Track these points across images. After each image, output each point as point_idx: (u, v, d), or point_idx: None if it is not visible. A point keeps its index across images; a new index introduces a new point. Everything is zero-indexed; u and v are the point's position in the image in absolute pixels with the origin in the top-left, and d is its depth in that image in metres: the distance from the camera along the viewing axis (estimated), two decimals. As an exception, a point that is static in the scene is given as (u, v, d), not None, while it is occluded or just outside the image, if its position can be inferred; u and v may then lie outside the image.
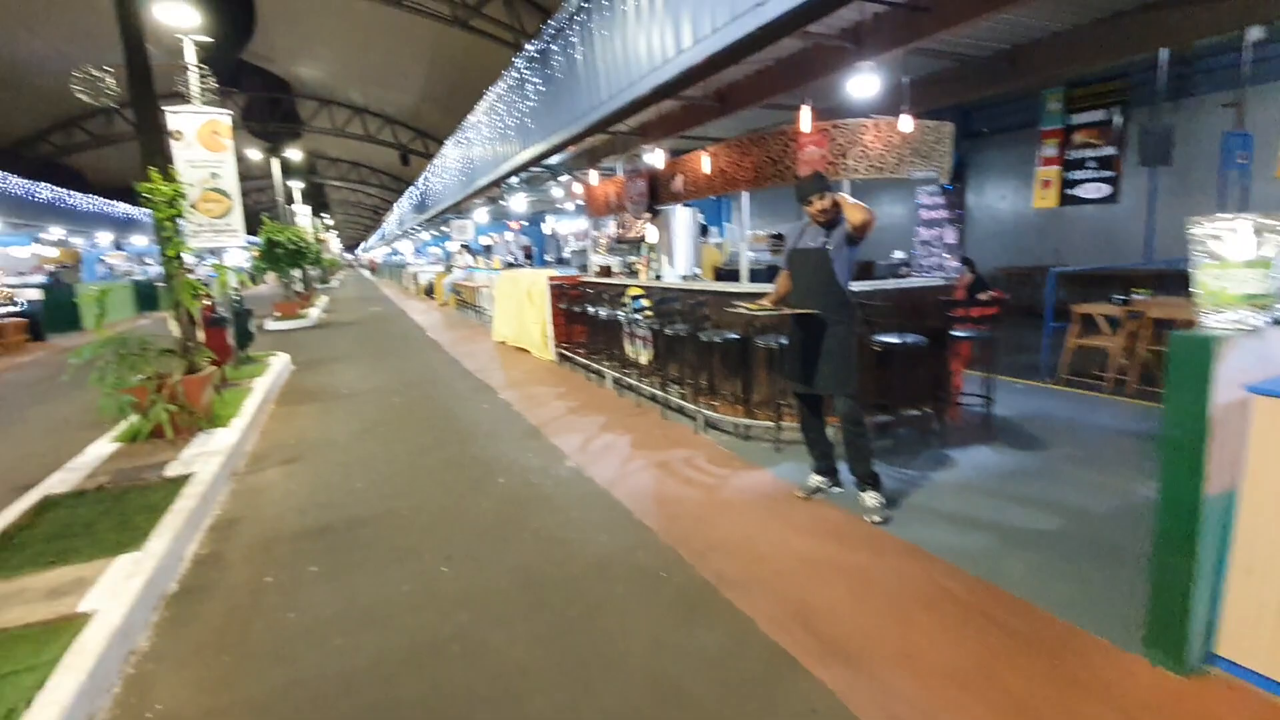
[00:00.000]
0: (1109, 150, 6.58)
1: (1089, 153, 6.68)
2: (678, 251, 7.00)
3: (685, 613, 2.78)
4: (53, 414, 6.96)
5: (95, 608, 2.71)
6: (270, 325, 14.72)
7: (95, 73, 6.36)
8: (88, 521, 3.73)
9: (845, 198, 3.51)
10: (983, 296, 6.58)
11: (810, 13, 4.10)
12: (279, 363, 8.93)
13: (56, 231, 21.23)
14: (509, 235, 26.17)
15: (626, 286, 7.09)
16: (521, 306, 9.61)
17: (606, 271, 8.22)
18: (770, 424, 4.90)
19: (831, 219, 3.61)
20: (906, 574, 3.05)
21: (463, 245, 18.91)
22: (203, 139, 7.99)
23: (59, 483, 4.38)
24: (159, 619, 2.90)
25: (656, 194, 6.74)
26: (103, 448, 5.12)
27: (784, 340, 4.40)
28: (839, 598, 2.86)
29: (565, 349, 8.60)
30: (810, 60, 5.71)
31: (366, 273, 53.90)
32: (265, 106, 25.76)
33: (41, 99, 20.54)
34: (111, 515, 3.82)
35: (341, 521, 3.89)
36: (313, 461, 5.09)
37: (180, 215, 5.55)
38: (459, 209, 18.34)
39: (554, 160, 10.51)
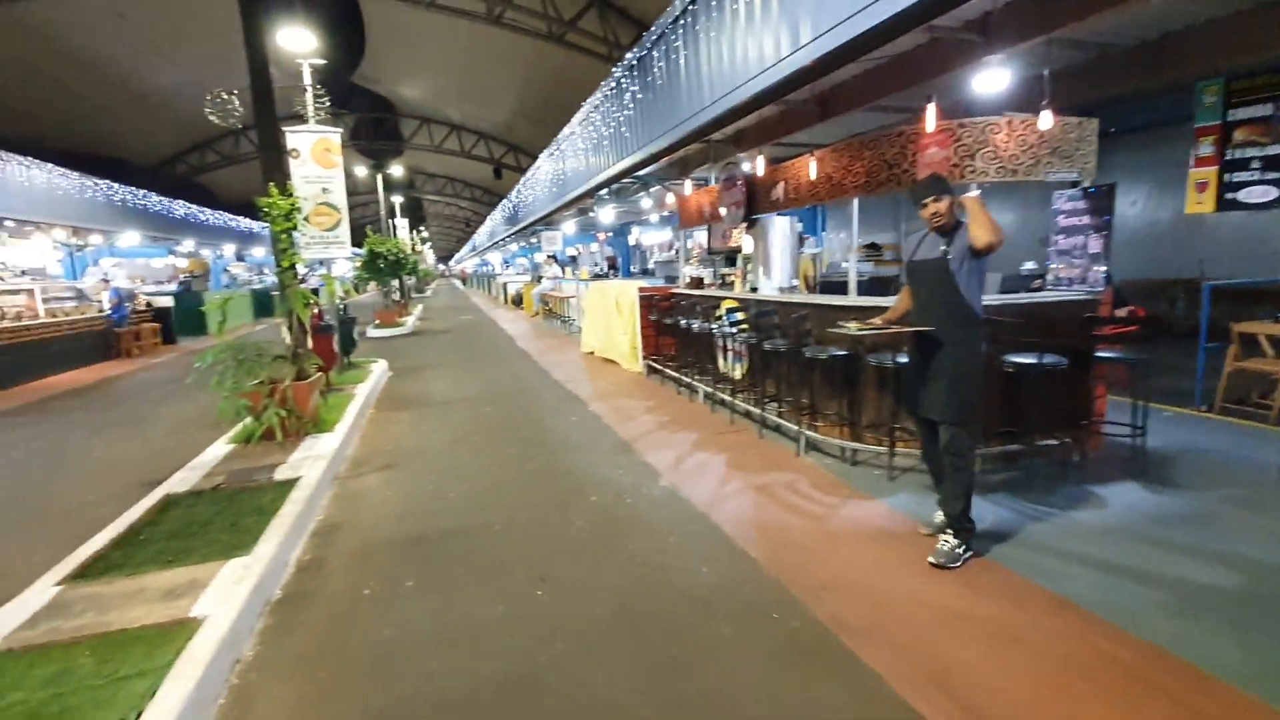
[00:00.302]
0: (1277, 149, 5.72)
1: (1253, 151, 5.84)
2: (774, 262, 6.69)
3: (802, 662, 2.50)
4: (178, 413, 7.47)
5: (206, 613, 2.74)
6: (371, 332, 15.46)
7: (225, 95, 6.84)
8: (204, 521, 3.87)
9: (977, 208, 3.11)
10: (1120, 313, 5.89)
11: (942, 4, 3.76)
12: (378, 369, 9.28)
13: (188, 244, 23.34)
14: (594, 246, 26.54)
15: (720, 299, 6.85)
16: (610, 318, 9.55)
17: (698, 283, 8.01)
18: (881, 449, 4.51)
19: (949, 224, 3.24)
20: (1056, 632, 2.63)
21: (550, 256, 19.25)
22: (316, 156, 8.43)
23: (180, 481, 4.61)
24: (263, 626, 2.91)
25: (754, 203, 6.48)
26: (219, 449, 5.39)
27: (902, 359, 4.03)
28: (979, 657, 2.49)
29: (654, 361, 8.45)
30: (926, 57, 5.29)
31: (458, 282, 56.30)
32: (371, 126, 27.42)
33: (179, 123, 22.81)
34: (225, 516, 3.95)
35: (436, 532, 3.86)
36: (409, 468, 5.15)
37: (295, 228, 5.81)
38: (549, 220, 18.68)
39: (644, 171, 10.44)
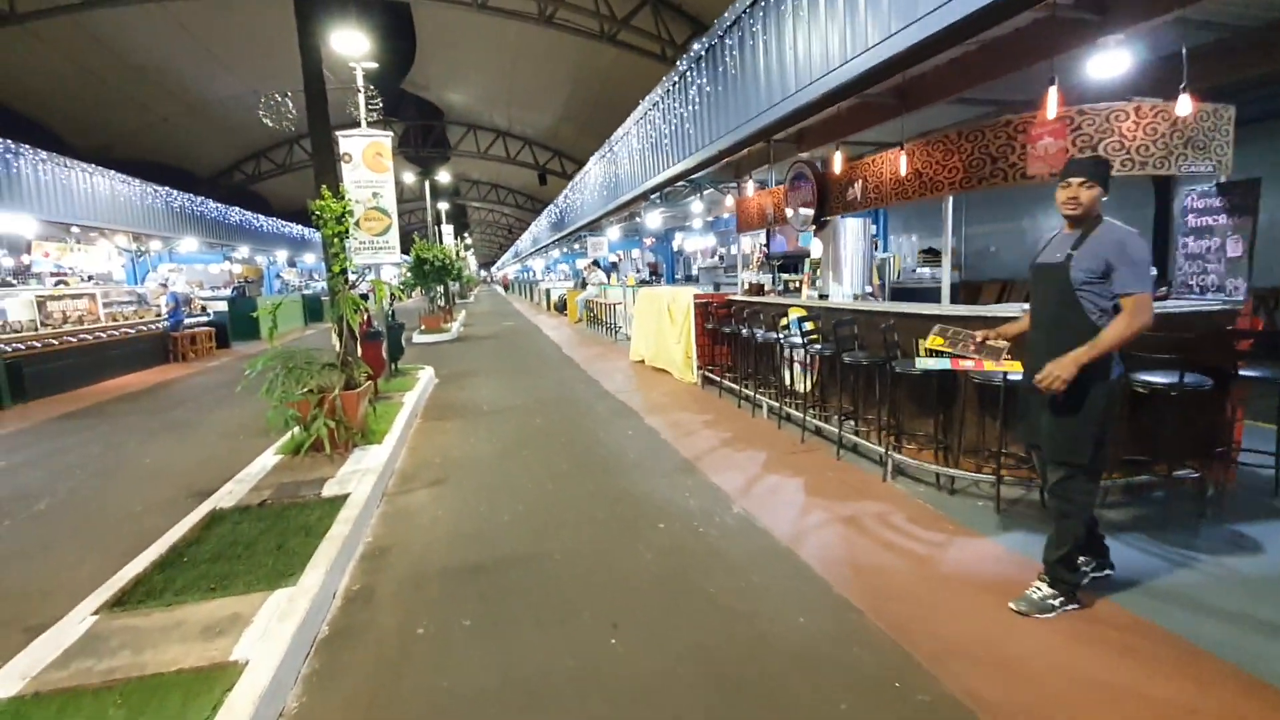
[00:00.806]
0: None
1: None
2: (845, 267, 6.23)
3: (941, 751, 2.06)
4: (230, 419, 7.39)
5: (248, 656, 2.45)
6: (417, 338, 15.44)
7: (278, 98, 6.75)
8: (249, 541, 3.63)
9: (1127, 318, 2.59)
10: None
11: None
12: (425, 376, 9.11)
13: (244, 250, 23.96)
14: (636, 253, 26.27)
15: (786, 306, 6.41)
16: (661, 325, 9.19)
17: (758, 289, 7.58)
18: (985, 476, 4.01)
19: (1082, 214, 2.72)
20: (1254, 721, 2.13)
21: (593, 262, 19.03)
22: (367, 160, 8.33)
23: (227, 495, 4.41)
24: (309, 671, 2.61)
25: (825, 203, 6.03)
26: (267, 459, 5.20)
27: (1014, 375, 3.54)
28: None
29: (710, 372, 8.04)
30: (1029, 39, 4.79)
31: (499, 289, 56.86)
32: (419, 133, 27.81)
33: (236, 133, 23.54)
34: (270, 535, 3.71)
35: (492, 561, 3.53)
36: (459, 484, 4.86)
37: (347, 232, 5.62)
38: (595, 226, 18.48)
39: (698, 175, 10.08)
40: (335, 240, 5.54)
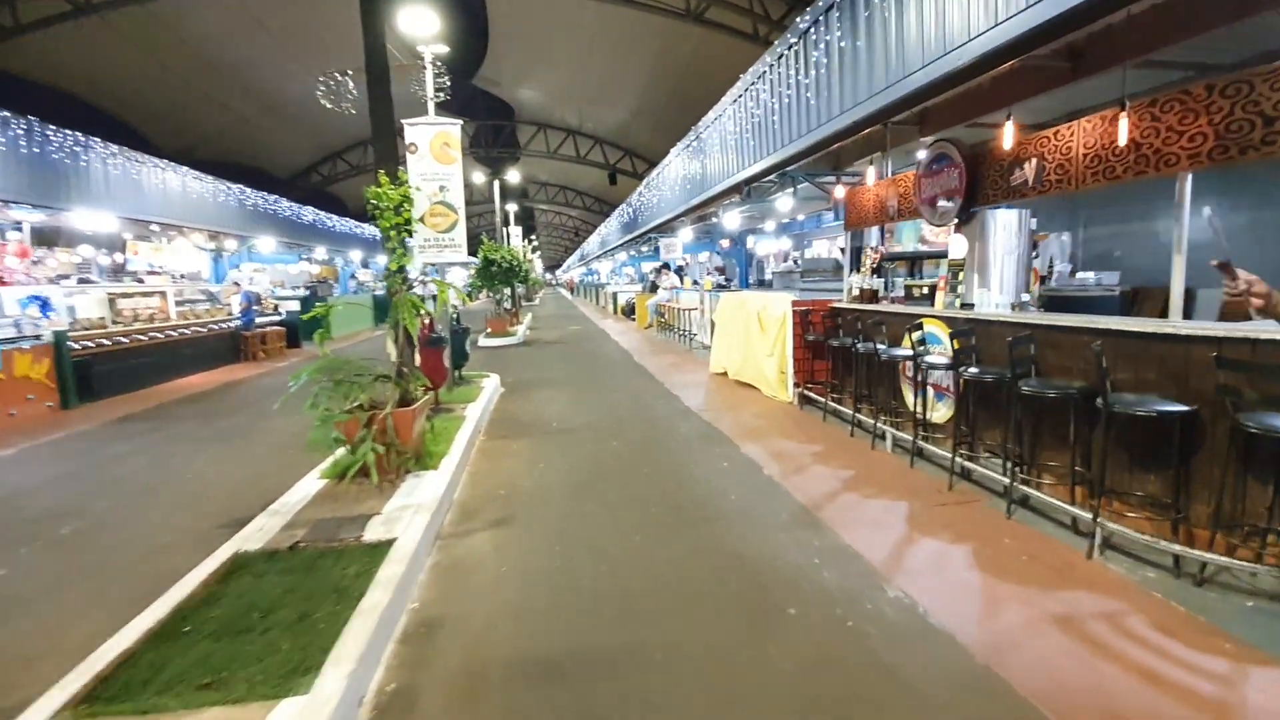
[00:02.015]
0: None
1: None
2: (995, 269, 5.07)
3: None
4: (284, 428, 6.85)
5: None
6: (482, 341, 14.95)
7: (338, 77, 6.16)
8: (267, 605, 2.87)
9: None
10: None
11: None
12: (490, 385, 8.41)
13: (320, 251, 24.34)
14: (704, 256, 25.23)
15: (916, 317, 5.30)
16: (749, 336, 8.17)
17: (870, 296, 6.46)
18: (1253, 566, 2.83)
19: None
20: None
21: (664, 264, 18.13)
22: (434, 151, 7.70)
23: (257, 531, 3.71)
24: None
25: (976, 190, 4.89)
26: (310, 485, 4.51)
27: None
28: None
29: (809, 390, 6.97)
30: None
31: (564, 292, 56.92)
32: (490, 133, 27.71)
33: (312, 134, 23.95)
34: (295, 597, 2.95)
35: (570, 656, 2.64)
36: (526, 527, 4.02)
37: (407, 223, 4.90)
38: (669, 227, 17.57)
39: (793, 166, 9.00)
40: (393, 234, 4.82)
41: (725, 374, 9.13)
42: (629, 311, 20.88)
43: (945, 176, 5.12)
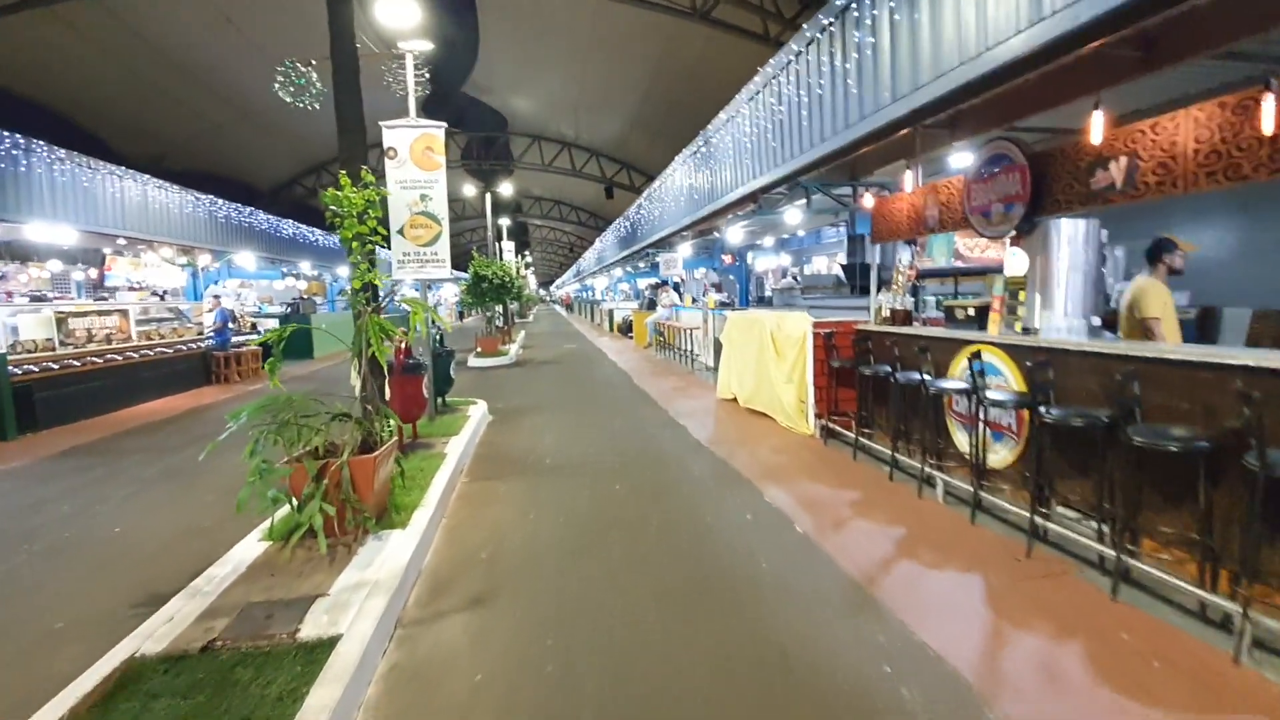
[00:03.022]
0: None
1: None
2: (1060, 288, 4.35)
3: None
4: (240, 466, 6.02)
5: None
6: (472, 361, 14.16)
7: (300, 67, 5.42)
8: (147, 755, 2.07)
9: None
10: None
11: None
12: (477, 413, 7.61)
13: (306, 266, 23.48)
14: (700, 272, 24.55)
15: (966, 343, 4.57)
16: (762, 359, 7.42)
17: (904, 318, 5.74)
18: None
19: None
20: None
21: (662, 281, 17.41)
22: (416, 156, 6.97)
23: (165, 623, 2.89)
24: None
25: (1043, 196, 4.18)
26: (247, 550, 3.70)
27: None
28: None
29: (834, 422, 6.21)
30: None
31: (559, 308, 56.24)
32: (482, 145, 27.07)
33: (295, 144, 23.04)
34: (191, 738, 2.15)
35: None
36: (512, 607, 3.22)
37: (373, 232, 4.14)
38: (667, 242, 16.86)
39: (806, 176, 8.31)
40: (355, 245, 4.06)
41: (734, 400, 8.36)
42: (626, 329, 20.15)
43: (1004, 181, 4.41)
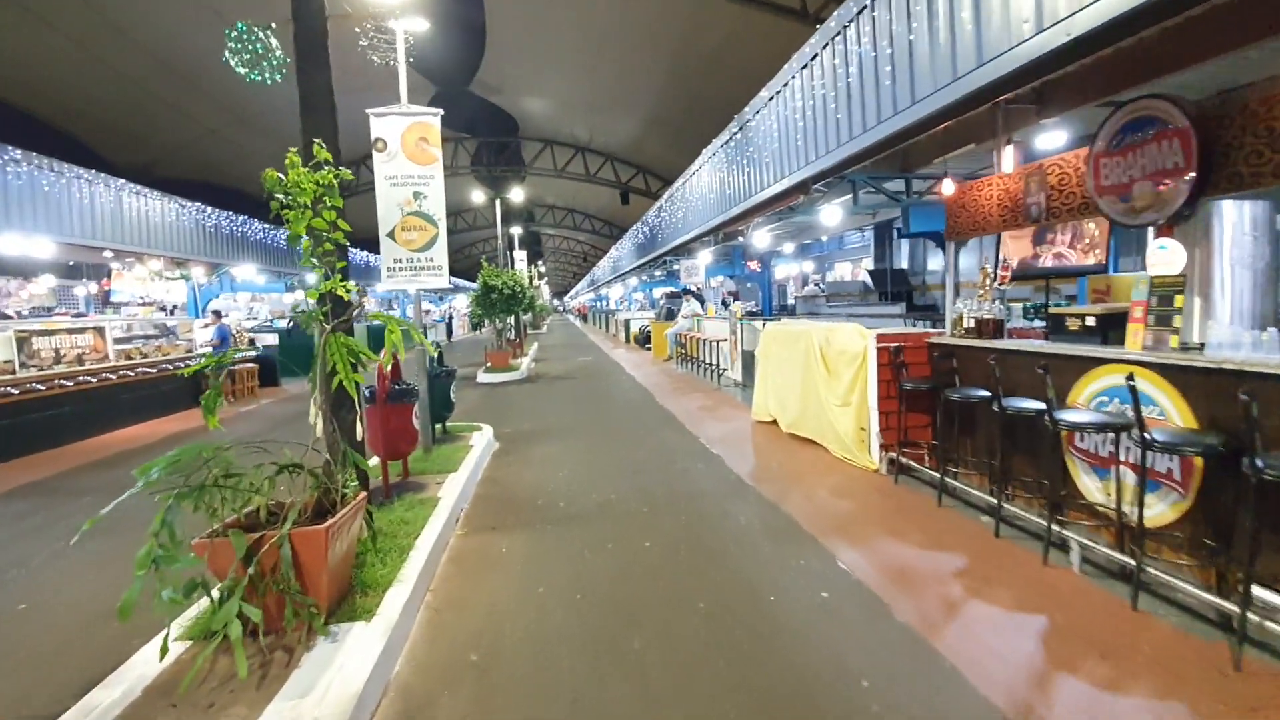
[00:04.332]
0: None
1: None
2: (1223, 290, 3.31)
3: None
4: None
5: None
6: (481, 377, 13.26)
7: (259, 33, 4.51)
8: None
9: None
10: None
11: None
12: (480, 442, 6.65)
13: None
14: (716, 280, 23.53)
15: (1096, 361, 3.53)
16: (810, 377, 6.39)
17: (995, 329, 4.68)
18: None
19: None
20: None
21: (683, 289, 16.40)
22: (408, 149, 6.06)
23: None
24: None
25: (1212, 169, 3.13)
26: (151, 659, 2.72)
27: None
28: None
29: (905, 454, 5.15)
30: None
31: (571, 318, 55.47)
32: (493, 151, 26.28)
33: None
34: None
35: None
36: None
37: (333, 229, 3.19)
38: (687, 249, 15.87)
39: (852, 169, 7.29)
40: (308, 244, 3.11)
41: (774, 423, 7.33)
42: (643, 340, 19.16)
43: (1154, 151, 3.37)
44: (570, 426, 8.12)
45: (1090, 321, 4.17)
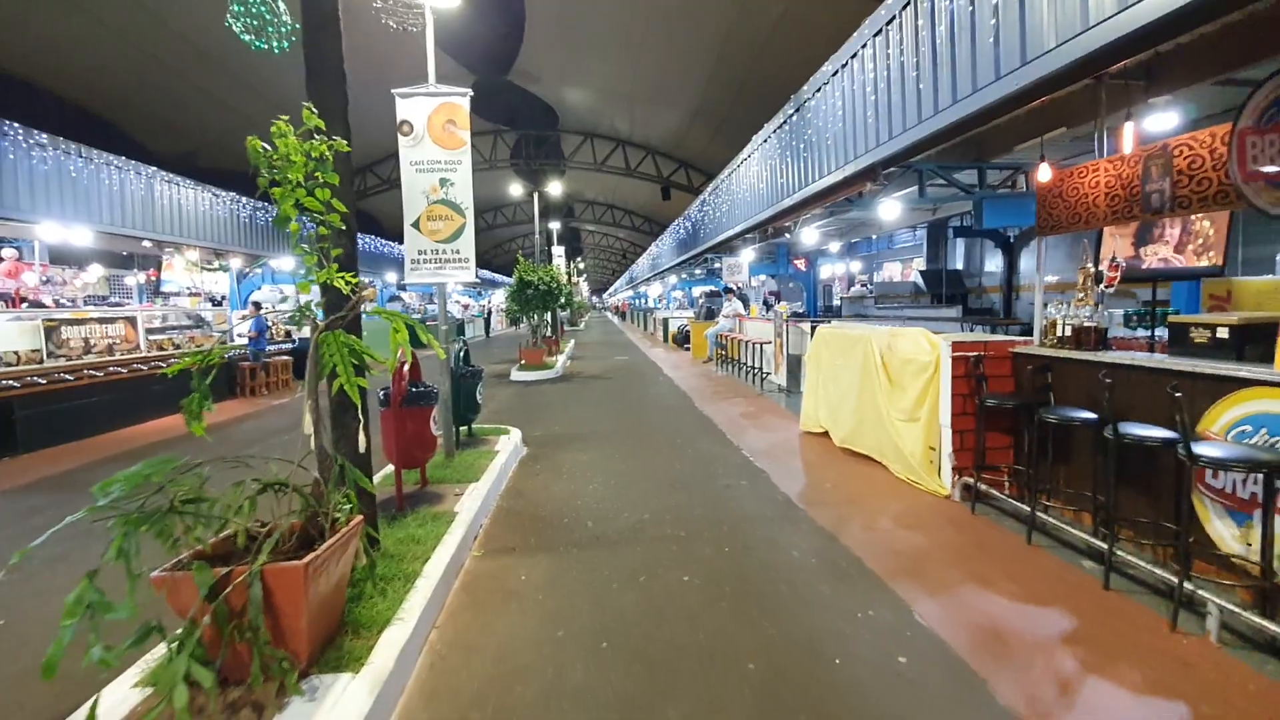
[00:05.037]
0: None
1: None
2: None
3: None
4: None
5: None
6: (514, 375, 12.90)
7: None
8: None
9: None
10: None
11: None
12: (507, 447, 6.22)
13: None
14: (756, 280, 22.73)
15: (1238, 383, 2.86)
16: (868, 387, 5.75)
17: (1097, 338, 4.00)
18: None
19: None
20: None
21: (725, 288, 15.76)
22: (434, 132, 5.65)
23: None
24: None
25: None
26: (107, 707, 2.32)
27: None
28: None
29: (984, 478, 4.49)
30: None
31: (611, 315, 55.19)
32: (533, 143, 25.98)
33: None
34: None
35: None
36: None
37: (328, 208, 2.75)
38: (728, 246, 15.22)
39: (917, 157, 6.59)
40: (295, 226, 2.68)
41: (825, 434, 6.70)
42: (681, 340, 18.58)
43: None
44: (603, 431, 7.63)
45: (1223, 333, 3.46)
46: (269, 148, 2.54)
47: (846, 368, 6.26)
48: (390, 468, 4.87)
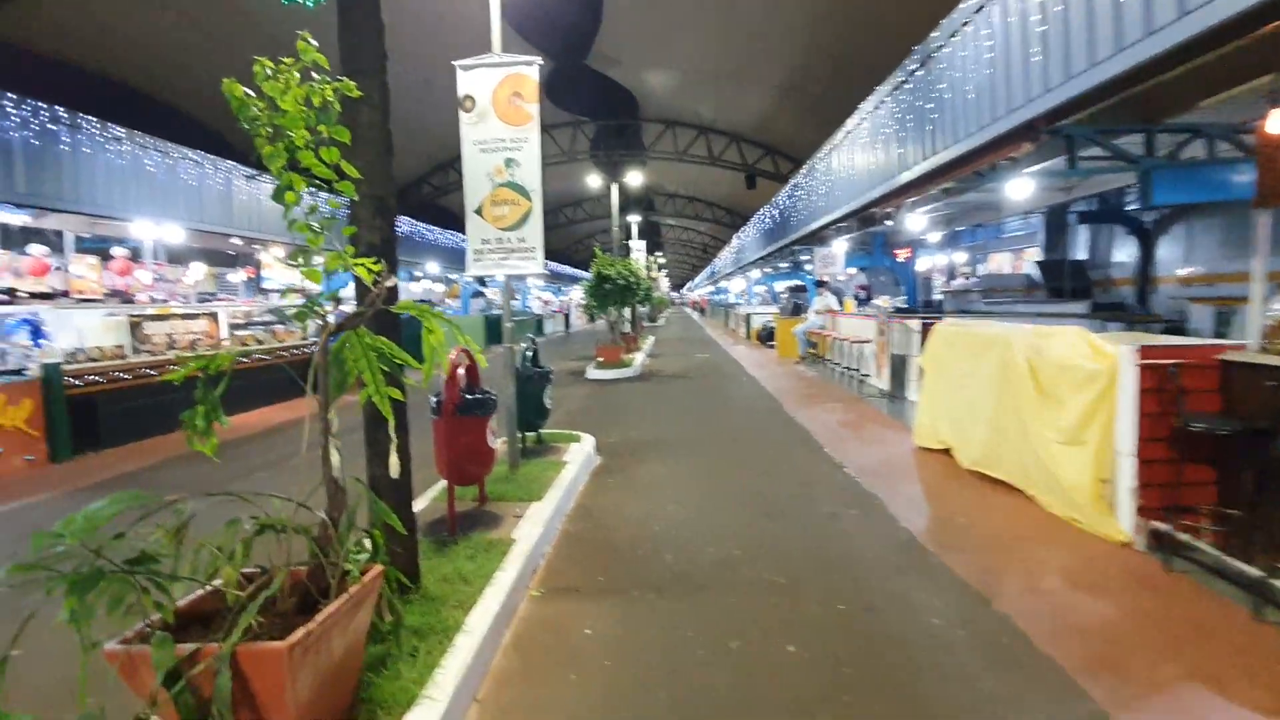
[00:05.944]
0: None
1: None
2: None
3: None
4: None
5: None
6: (591, 373, 12.39)
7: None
8: None
9: None
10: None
11: None
12: (578, 457, 5.60)
13: (433, 267, 23.16)
14: (845, 274, 21.19)
15: None
16: (1008, 397, 4.72)
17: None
18: None
19: None
20: None
21: (818, 282, 14.59)
22: (499, 107, 5.08)
23: None
24: None
25: None
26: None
27: None
28: None
29: (1184, 524, 3.42)
30: None
31: (690, 311, 54.31)
32: (612, 133, 25.49)
33: (419, 138, 22.31)
34: None
35: None
36: None
37: (340, 174, 2.17)
38: (819, 236, 14.06)
39: (1066, 120, 5.41)
40: (291, 196, 2.11)
41: (947, 452, 5.67)
42: (765, 337, 17.53)
43: None
44: (684, 439, 6.90)
45: None
46: (251, 94, 1.96)
47: (975, 374, 5.23)
48: (444, 481, 4.35)
